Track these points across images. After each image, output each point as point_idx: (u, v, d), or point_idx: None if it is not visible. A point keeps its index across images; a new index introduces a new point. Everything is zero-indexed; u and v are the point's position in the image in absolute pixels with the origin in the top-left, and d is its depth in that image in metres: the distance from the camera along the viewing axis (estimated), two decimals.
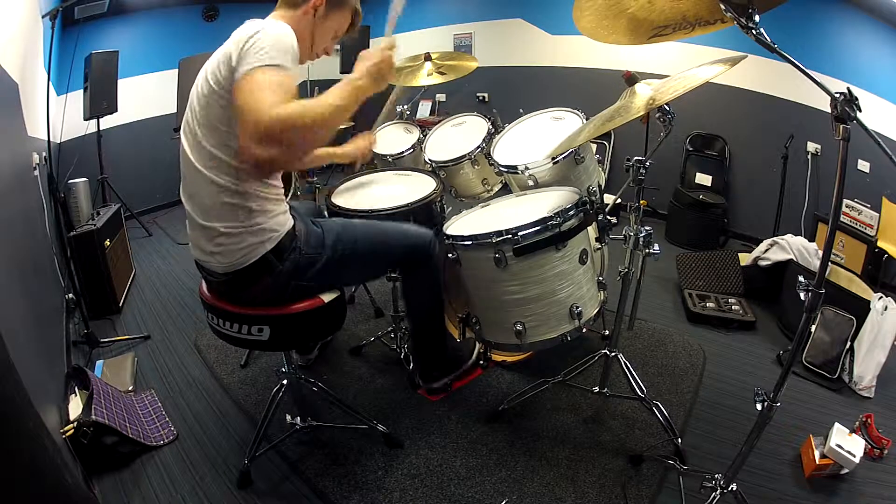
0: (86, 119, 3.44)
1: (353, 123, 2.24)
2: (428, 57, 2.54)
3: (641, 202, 1.53)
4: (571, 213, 1.39)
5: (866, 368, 1.97)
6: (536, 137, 1.90)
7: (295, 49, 1.12)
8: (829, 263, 1.44)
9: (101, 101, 3.44)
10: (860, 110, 0.85)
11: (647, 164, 1.47)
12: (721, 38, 2.84)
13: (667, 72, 1.79)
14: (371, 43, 5.11)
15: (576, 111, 1.88)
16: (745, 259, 2.76)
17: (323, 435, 1.76)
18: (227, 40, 1.19)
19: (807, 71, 0.91)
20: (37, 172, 2.28)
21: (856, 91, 0.87)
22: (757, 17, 0.97)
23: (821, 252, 1.73)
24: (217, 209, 1.20)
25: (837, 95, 0.86)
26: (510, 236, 1.35)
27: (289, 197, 1.34)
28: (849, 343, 2.03)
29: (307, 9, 1.28)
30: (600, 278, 1.57)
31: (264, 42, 1.07)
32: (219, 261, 1.24)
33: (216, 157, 1.17)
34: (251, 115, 0.99)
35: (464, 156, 2.05)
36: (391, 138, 2.45)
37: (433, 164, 2.10)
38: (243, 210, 1.20)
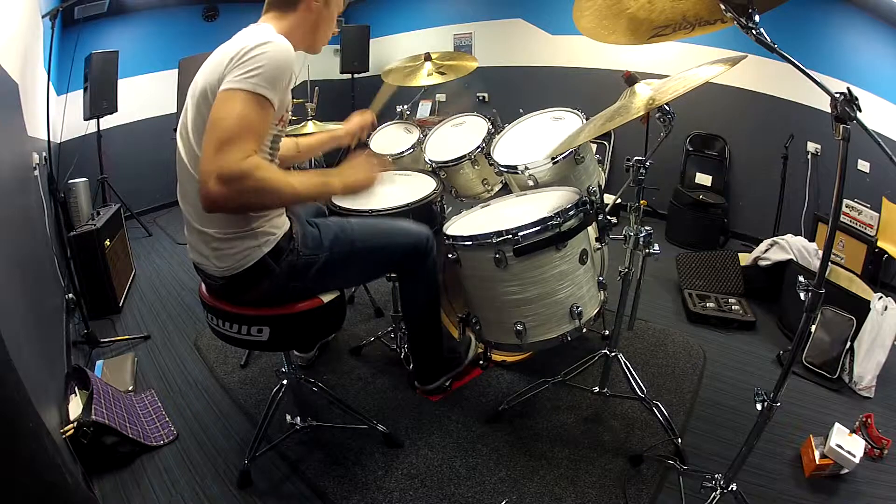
0: (86, 119, 3.44)
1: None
2: (428, 57, 2.54)
3: (641, 202, 1.53)
4: (571, 213, 1.39)
5: (866, 368, 1.97)
6: (536, 137, 1.90)
7: (288, 75, 1.10)
8: (829, 263, 1.44)
9: (101, 101, 3.44)
10: (860, 110, 0.85)
11: (647, 164, 1.47)
12: (721, 38, 2.84)
13: (667, 72, 1.79)
14: (371, 43, 5.13)
15: (576, 111, 1.88)
16: (745, 259, 2.76)
17: (323, 435, 1.76)
18: (229, 41, 1.18)
19: (807, 71, 0.91)
20: (37, 172, 2.27)
21: (856, 91, 0.87)
22: (757, 17, 0.97)
23: (821, 252, 1.73)
24: (212, 214, 1.19)
25: (837, 95, 0.87)
26: (510, 236, 1.35)
27: None
28: (849, 343, 2.03)
29: (307, 4, 1.25)
30: (600, 278, 1.57)
31: (262, 61, 1.05)
32: (216, 264, 1.23)
33: None
34: (224, 153, 0.99)
35: (464, 156, 2.05)
36: (391, 138, 2.46)
37: (433, 164, 2.11)
38: (239, 216, 1.19)
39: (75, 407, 1.69)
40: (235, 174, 1.00)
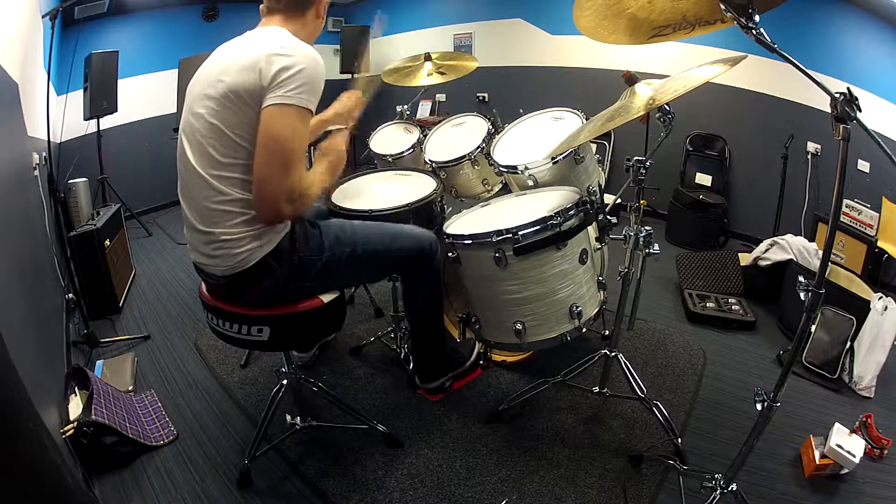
0: (86, 119, 3.44)
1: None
2: (428, 57, 2.54)
3: (641, 202, 1.53)
4: (571, 212, 1.39)
5: (866, 368, 1.97)
6: (536, 137, 1.90)
7: (323, 83, 1.18)
8: (829, 263, 1.44)
9: (101, 101, 3.44)
10: (860, 110, 0.85)
11: (647, 164, 1.47)
12: (721, 38, 2.84)
13: (667, 72, 1.79)
14: (371, 43, 5.14)
15: (576, 111, 1.88)
16: (745, 259, 2.76)
17: (323, 435, 1.76)
18: (243, 41, 1.19)
19: (807, 71, 0.91)
20: (37, 172, 2.27)
21: (856, 91, 0.87)
22: (757, 17, 0.97)
23: (821, 252, 1.73)
24: (218, 215, 1.19)
25: (837, 95, 0.86)
26: (510, 236, 1.35)
27: None
28: (849, 343, 2.03)
29: (317, 10, 1.31)
30: (600, 278, 1.57)
31: (304, 77, 1.11)
32: (217, 264, 1.23)
33: (223, 164, 1.16)
34: (290, 176, 1.12)
35: (464, 156, 2.05)
36: (391, 138, 2.46)
37: (433, 164, 2.10)
38: (244, 216, 1.20)
39: (75, 407, 1.69)
40: (298, 193, 1.14)
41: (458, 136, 2.23)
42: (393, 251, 1.51)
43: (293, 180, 1.12)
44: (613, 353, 1.72)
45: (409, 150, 2.26)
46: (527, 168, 1.72)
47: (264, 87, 1.10)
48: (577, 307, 1.43)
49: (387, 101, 5.05)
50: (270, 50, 1.11)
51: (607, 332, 2.12)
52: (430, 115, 5.23)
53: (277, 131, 1.09)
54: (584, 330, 1.48)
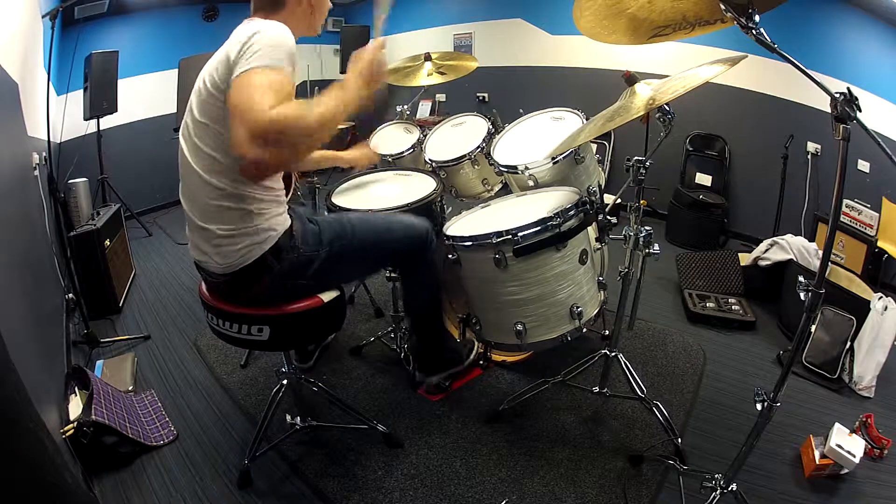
0: (86, 119, 3.44)
1: (353, 123, 2.24)
2: (428, 57, 2.54)
3: (641, 202, 1.53)
4: (571, 213, 1.39)
5: (866, 368, 1.97)
6: (536, 137, 1.90)
7: (293, 49, 1.11)
8: (829, 263, 1.44)
9: (101, 101, 3.44)
10: (860, 110, 0.85)
11: (647, 164, 1.47)
12: (721, 38, 2.83)
13: (667, 72, 1.79)
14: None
15: (576, 111, 1.88)
16: (745, 259, 2.76)
17: (323, 435, 1.76)
18: (226, 41, 1.19)
19: (807, 71, 0.92)
20: (37, 172, 2.27)
21: (856, 91, 0.87)
22: (757, 17, 0.97)
23: (821, 252, 1.73)
24: (215, 212, 1.20)
25: (837, 95, 0.87)
26: (510, 237, 1.35)
27: (289, 197, 1.34)
28: (849, 343, 2.03)
29: (294, 4, 1.27)
30: (600, 278, 1.57)
31: (262, 43, 1.06)
32: (217, 261, 1.24)
33: (214, 159, 1.17)
34: (247, 114, 0.96)
35: (464, 156, 2.05)
36: (391, 138, 2.46)
37: (433, 164, 2.10)
38: (241, 212, 1.20)
39: (75, 407, 1.69)
40: (262, 128, 0.95)
41: (458, 136, 2.23)
42: (391, 241, 1.51)
43: (251, 119, 0.95)
44: (613, 353, 1.72)
45: (409, 150, 2.26)
46: (527, 168, 1.72)
47: (232, 70, 1.08)
48: (578, 307, 1.43)
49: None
50: (238, 38, 1.11)
51: (607, 332, 2.12)
52: (430, 115, 5.23)
53: (235, 100, 1.02)
54: (584, 330, 1.48)
